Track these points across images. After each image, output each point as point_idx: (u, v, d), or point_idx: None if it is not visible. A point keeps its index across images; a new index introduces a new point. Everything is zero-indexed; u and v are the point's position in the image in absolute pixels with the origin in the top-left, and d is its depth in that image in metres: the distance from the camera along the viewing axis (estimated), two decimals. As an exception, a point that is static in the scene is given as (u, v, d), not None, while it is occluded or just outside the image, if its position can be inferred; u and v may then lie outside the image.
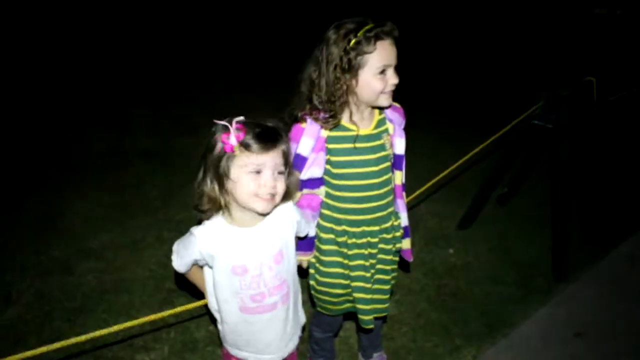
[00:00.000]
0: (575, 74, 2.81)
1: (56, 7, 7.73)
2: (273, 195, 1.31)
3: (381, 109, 1.60)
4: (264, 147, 1.27)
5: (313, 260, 1.73)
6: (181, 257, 1.42)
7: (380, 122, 1.61)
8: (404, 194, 1.72)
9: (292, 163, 1.47)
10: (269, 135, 1.29)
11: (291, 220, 1.48)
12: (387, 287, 1.75)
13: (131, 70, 5.98)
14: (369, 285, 1.68)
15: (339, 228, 1.64)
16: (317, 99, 1.51)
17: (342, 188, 1.60)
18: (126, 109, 4.89)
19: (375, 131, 1.59)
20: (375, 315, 1.74)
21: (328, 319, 1.86)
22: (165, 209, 3.19)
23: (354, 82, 1.48)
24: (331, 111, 1.50)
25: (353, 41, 1.43)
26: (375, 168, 1.59)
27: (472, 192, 3.08)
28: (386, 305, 1.77)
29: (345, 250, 1.65)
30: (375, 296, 1.72)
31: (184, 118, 4.61)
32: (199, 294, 1.59)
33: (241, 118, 1.29)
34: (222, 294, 1.42)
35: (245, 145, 1.26)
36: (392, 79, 1.49)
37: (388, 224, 1.67)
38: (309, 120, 1.53)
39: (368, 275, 1.67)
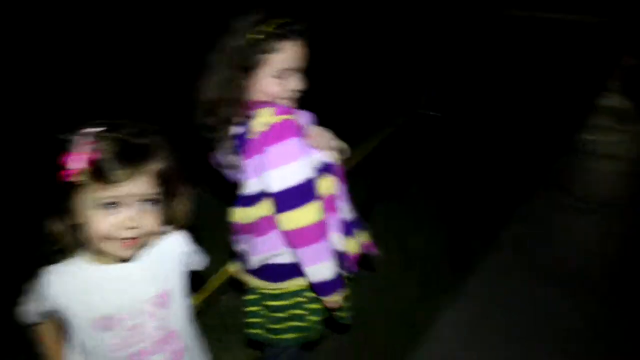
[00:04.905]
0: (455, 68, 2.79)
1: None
2: (135, 237, 0.93)
3: None
4: (125, 173, 0.89)
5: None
6: (34, 301, 1.00)
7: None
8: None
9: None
10: (135, 154, 0.91)
11: (178, 253, 1.10)
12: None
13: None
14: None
15: None
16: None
17: None
18: None
19: None
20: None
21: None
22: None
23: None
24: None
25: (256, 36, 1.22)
26: None
27: (362, 188, 2.91)
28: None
29: None
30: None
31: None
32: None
33: (94, 130, 0.89)
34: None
35: (97, 171, 0.87)
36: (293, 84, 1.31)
37: None
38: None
39: None
